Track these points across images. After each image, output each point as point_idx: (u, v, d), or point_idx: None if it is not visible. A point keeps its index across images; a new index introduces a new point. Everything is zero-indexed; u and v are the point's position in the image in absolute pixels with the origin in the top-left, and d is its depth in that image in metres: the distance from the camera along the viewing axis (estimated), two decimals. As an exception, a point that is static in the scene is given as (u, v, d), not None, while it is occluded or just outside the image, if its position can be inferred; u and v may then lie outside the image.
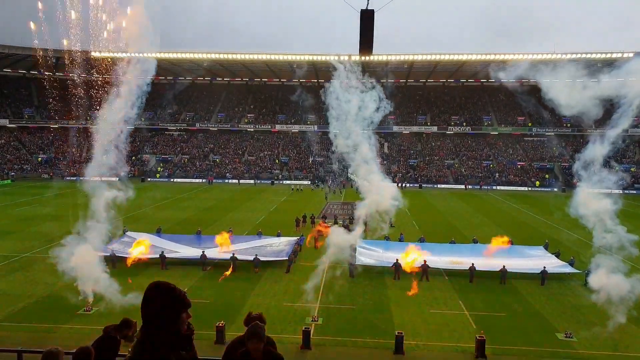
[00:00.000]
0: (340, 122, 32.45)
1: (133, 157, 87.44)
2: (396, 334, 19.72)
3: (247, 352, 4.44)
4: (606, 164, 27.02)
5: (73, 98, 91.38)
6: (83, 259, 23.19)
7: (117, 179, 31.97)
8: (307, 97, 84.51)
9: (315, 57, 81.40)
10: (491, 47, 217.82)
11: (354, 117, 31.96)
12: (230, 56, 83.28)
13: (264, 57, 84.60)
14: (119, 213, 29.57)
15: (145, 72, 31.40)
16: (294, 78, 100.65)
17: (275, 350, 4.53)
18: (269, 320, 17.28)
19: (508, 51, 78.11)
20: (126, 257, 30.48)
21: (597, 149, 26.75)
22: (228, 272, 28.30)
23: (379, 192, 30.63)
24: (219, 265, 30.93)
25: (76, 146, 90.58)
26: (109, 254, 29.82)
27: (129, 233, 35.61)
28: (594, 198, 25.28)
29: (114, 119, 28.70)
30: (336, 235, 28.30)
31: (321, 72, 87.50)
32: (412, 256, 30.62)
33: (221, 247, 32.97)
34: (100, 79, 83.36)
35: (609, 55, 72.61)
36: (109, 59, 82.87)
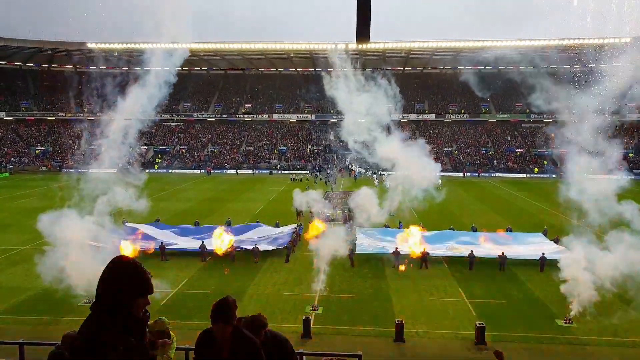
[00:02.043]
0: (351, 115, 32.29)
1: (131, 149, 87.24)
2: (396, 322, 19.79)
3: (209, 332, 4.12)
4: (603, 149, 26.94)
5: (73, 90, 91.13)
6: (79, 252, 23.17)
7: (115, 170, 31.93)
8: (305, 85, 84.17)
9: (311, 46, 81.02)
10: (488, 33, 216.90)
11: (366, 111, 31.85)
12: (226, 46, 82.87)
13: (260, 46, 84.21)
14: (118, 204, 29.50)
15: (170, 63, 31.39)
16: (291, 67, 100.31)
17: (249, 337, 4.11)
18: (269, 310, 17.28)
19: (505, 37, 78.04)
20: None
21: (594, 135, 26.75)
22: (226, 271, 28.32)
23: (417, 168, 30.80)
24: (218, 255, 30.99)
25: (75, 138, 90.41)
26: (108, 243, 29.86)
27: (128, 224, 35.62)
28: (592, 183, 25.28)
29: (129, 110, 28.70)
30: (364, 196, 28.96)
31: (318, 61, 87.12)
32: (411, 241, 30.86)
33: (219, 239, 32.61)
34: (97, 70, 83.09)
35: (605, 41, 72.26)
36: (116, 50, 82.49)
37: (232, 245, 30.56)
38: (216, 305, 4.14)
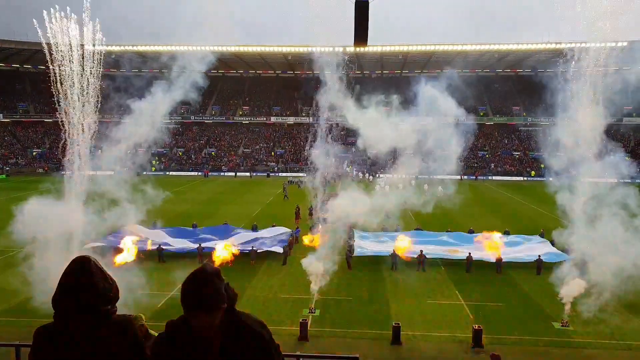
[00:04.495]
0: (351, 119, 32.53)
1: (128, 151, 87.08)
2: (393, 324, 19.80)
3: (188, 326, 2.92)
4: (602, 153, 27.09)
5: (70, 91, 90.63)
6: (75, 253, 23.08)
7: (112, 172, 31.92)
8: (302, 88, 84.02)
9: (309, 49, 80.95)
10: (485, 37, 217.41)
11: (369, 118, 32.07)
12: (223, 48, 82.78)
13: (258, 48, 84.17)
14: (115, 206, 29.49)
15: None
16: (289, 69, 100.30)
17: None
18: (266, 312, 17.20)
19: (503, 41, 78.17)
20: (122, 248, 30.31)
21: (591, 138, 26.82)
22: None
23: None
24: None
25: (71, 141, 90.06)
26: (106, 245, 29.94)
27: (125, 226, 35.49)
28: (589, 186, 25.37)
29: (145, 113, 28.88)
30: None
31: (316, 63, 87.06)
32: (404, 244, 30.92)
33: None
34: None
35: (602, 44, 72.32)
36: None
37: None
38: (190, 283, 2.80)
